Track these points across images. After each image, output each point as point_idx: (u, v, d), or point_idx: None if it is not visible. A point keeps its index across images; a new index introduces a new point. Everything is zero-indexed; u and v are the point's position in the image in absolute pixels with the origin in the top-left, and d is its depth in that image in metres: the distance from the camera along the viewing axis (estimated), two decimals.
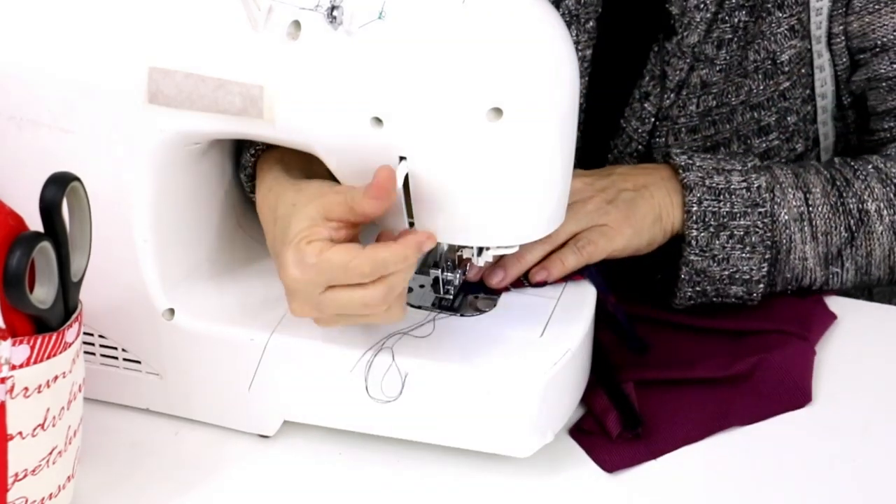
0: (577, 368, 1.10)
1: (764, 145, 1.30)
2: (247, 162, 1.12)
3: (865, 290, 1.40)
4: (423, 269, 1.13)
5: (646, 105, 1.29)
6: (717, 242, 1.19)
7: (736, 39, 1.26)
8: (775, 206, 1.20)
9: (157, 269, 1.09)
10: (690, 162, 1.21)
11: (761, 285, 1.21)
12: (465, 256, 1.08)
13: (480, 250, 1.07)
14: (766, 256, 1.19)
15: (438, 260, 1.11)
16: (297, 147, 1.05)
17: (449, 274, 1.11)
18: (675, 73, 1.27)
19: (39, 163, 1.01)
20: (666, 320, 1.22)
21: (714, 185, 1.19)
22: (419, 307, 1.11)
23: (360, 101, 0.99)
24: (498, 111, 0.98)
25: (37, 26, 1.06)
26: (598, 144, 1.31)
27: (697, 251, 1.19)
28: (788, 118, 1.30)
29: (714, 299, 1.21)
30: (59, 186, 0.93)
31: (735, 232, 1.19)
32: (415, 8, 0.98)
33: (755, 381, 1.16)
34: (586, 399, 1.13)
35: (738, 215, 1.19)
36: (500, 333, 1.09)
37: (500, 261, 1.13)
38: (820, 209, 1.21)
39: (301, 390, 1.09)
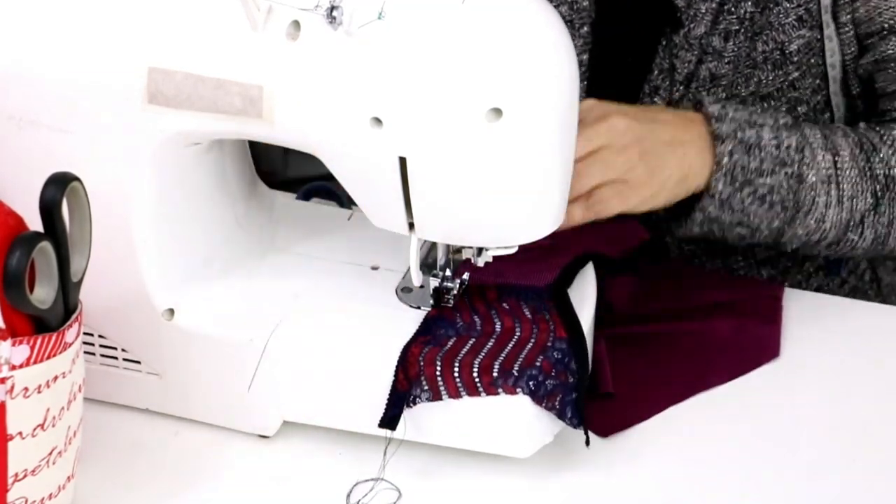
0: None
1: None
2: None
3: (874, 283, 1.40)
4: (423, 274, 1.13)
5: (655, 99, 1.29)
6: (739, 196, 1.18)
7: (743, 31, 1.27)
8: (804, 168, 1.19)
9: (157, 269, 1.09)
10: (724, 112, 1.20)
11: (765, 234, 1.21)
12: (464, 257, 1.09)
13: (480, 250, 1.07)
14: (782, 216, 1.19)
15: (438, 269, 1.11)
16: (296, 147, 1.05)
17: (448, 283, 1.11)
18: (683, 65, 1.27)
19: (39, 163, 1.01)
20: (642, 332, 1.21)
21: (746, 138, 1.19)
22: (419, 308, 1.11)
23: (360, 102, 0.99)
24: (498, 111, 0.98)
25: (37, 26, 1.06)
26: None
27: (717, 204, 1.18)
28: (799, 108, 1.31)
29: (714, 237, 1.22)
30: (59, 186, 0.93)
31: (759, 189, 1.18)
32: (414, 8, 0.98)
33: (728, 338, 1.18)
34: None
35: (766, 173, 1.18)
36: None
37: None
38: (848, 173, 1.20)
39: (301, 390, 1.09)
